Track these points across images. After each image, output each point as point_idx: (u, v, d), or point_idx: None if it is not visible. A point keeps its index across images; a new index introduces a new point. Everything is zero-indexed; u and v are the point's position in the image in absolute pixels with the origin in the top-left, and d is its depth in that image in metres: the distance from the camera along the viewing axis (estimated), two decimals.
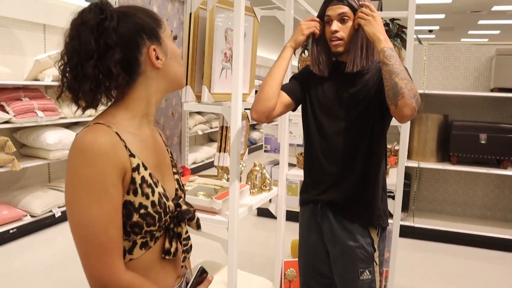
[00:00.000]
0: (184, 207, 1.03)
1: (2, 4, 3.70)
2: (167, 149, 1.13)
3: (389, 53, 1.41)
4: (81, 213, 0.86)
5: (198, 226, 1.09)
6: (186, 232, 1.05)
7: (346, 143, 1.58)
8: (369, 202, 1.59)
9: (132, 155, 0.91)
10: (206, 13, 1.81)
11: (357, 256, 1.59)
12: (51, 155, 3.91)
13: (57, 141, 3.88)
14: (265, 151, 4.31)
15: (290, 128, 2.87)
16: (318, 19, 1.61)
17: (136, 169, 0.91)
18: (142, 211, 0.92)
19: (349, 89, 1.57)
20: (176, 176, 1.11)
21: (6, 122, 3.60)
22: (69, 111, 4.07)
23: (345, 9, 1.51)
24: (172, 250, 1.00)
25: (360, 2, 1.51)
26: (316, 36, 1.61)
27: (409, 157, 4.11)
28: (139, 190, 0.91)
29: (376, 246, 1.60)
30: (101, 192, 0.85)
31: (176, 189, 1.08)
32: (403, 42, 2.40)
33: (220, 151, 2.20)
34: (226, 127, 2.16)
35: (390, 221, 1.82)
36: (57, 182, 4.30)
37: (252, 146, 8.89)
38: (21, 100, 3.72)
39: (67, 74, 0.92)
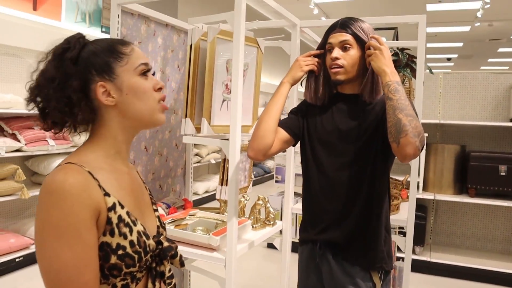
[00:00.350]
0: (165, 244, 0.97)
1: (16, 35, 3.79)
2: (145, 186, 1.10)
3: (394, 87, 1.34)
4: (51, 258, 0.81)
5: (181, 264, 1.03)
6: (170, 270, 1.00)
7: (346, 180, 1.50)
8: (371, 244, 1.49)
9: (107, 194, 0.87)
10: (207, 44, 1.79)
11: None
12: None
13: None
14: (276, 181, 4.23)
15: (297, 159, 2.80)
16: (315, 58, 1.56)
17: (112, 208, 0.87)
18: (120, 252, 0.87)
19: (350, 122, 1.50)
20: (157, 213, 1.07)
21: (17, 150, 3.63)
22: (80, 140, 4.08)
23: (348, 37, 1.46)
24: None
25: (370, 35, 1.46)
26: (316, 73, 1.56)
27: (425, 189, 3.97)
28: (116, 230, 0.87)
29: None
30: (73, 235, 0.81)
31: (158, 226, 1.04)
32: (413, 72, 2.33)
33: (222, 184, 2.15)
34: (227, 159, 2.10)
35: (401, 255, 1.70)
36: None
37: (266, 175, 8.79)
38: (33, 128, 3.75)
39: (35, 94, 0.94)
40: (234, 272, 1.69)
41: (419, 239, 3.84)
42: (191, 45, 1.81)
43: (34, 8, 3.95)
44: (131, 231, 0.89)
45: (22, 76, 4.01)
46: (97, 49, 0.95)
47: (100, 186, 0.87)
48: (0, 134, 3.65)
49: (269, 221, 2.17)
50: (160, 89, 0.99)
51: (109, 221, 0.86)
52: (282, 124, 1.58)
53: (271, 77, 9.59)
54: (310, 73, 1.57)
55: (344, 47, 1.46)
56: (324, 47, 1.54)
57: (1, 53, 3.77)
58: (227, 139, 1.68)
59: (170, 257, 0.99)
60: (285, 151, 1.88)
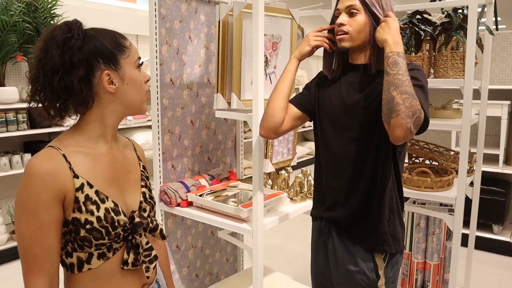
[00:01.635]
0: (137, 219, 1.05)
1: (96, 20, 4.11)
2: (140, 164, 1.18)
3: (394, 60, 1.24)
4: (17, 228, 0.96)
5: (162, 237, 1.14)
6: (147, 243, 1.08)
7: (351, 157, 1.43)
8: (373, 225, 1.43)
9: (76, 176, 0.98)
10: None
11: (357, 282, 1.44)
12: None
13: (144, 142, 4.20)
14: None
15: None
16: (325, 34, 1.49)
17: (79, 188, 0.98)
18: (88, 226, 0.98)
19: (355, 95, 1.42)
20: (143, 189, 1.14)
21: None
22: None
23: (355, 1, 1.37)
24: (130, 260, 1.05)
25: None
26: (328, 49, 1.49)
27: (508, 162, 3.61)
28: (83, 208, 0.98)
29: (381, 273, 1.42)
30: (31, 212, 0.93)
31: (141, 202, 1.12)
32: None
33: (266, 158, 2.18)
34: None
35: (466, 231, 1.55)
36: None
37: None
38: None
39: (34, 84, 1.00)
40: (261, 242, 1.74)
41: (498, 217, 3.53)
42: (219, 21, 1.83)
43: None
44: (98, 208, 0.99)
45: None
46: (103, 39, 1.02)
47: (71, 168, 0.97)
48: None
49: (310, 194, 2.17)
50: (147, 81, 1.10)
51: (76, 199, 0.97)
52: (293, 100, 1.55)
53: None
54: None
55: (350, 12, 1.38)
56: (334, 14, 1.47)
57: None
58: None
59: (150, 230, 1.09)
60: (304, 127, 1.84)
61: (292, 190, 2.14)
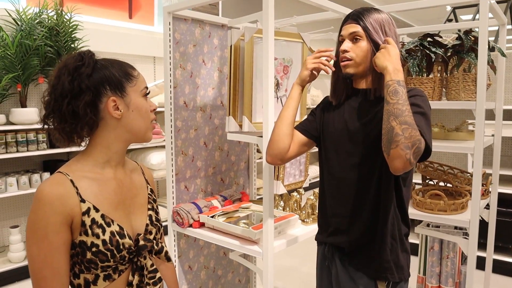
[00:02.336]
0: (141, 242, 1.09)
1: (115, 43, 4.23)
2: (148, 187, 1.22)
3: (394, 89, 1.23)
4: (27, 249, 1.01)
5: (167, 259, 1.18)
6: (152, 265, 1.12)
7: (353, 183, 1.43)
8: (376, 253, 1.41)
9: (83, 201, 1.02)
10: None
11: None
12: (154, 174, 4.30)
13: (160, 162, 4.25)
14: None
15: None
16: (324, 55, 1.50)
17: (86, 212, 1.02)
18: (94, 249, 1.01)
19: (358, 121, 1.43)
20: (150, 212, 1.17)
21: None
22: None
23: (358, 28, 1.39)
24: (135, 282, 1.08)
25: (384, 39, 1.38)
26: (327, 72, 1.51)
27: None
28: (89, 231, 1.01)
29: None
30: (40, 236, 0.98)
31: (147, 224, 1.15)
32: None
33: (276, 179, 2.20)
34: None
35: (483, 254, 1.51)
36: (161, 199, 4.70)
37: None
38: None
39: (46, 108, 1.06)
40: (271, 265, 1.74)
41: None
42: (231, 46, 1.88)
43: (130, 17, 4.37)
44: (103, 232, 1.03)
45: None
46: (112, 68, 1.08)
47: (78, 193, 1.02)
48: None
49: None
50: (153, 110, 1.14)
51: (83, 223, 1.01)
52: (299, 126, 1.57)
53: None
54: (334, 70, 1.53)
55: (354, 38, 1.40)
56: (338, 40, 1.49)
57: None
58: (262, 136, 1.73)
59: (155, 252, 1.13)
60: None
61: (304, 212, 2.14)
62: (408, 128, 1.19)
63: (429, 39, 2.11)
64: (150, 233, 1.14)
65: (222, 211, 2.07)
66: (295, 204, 2.26)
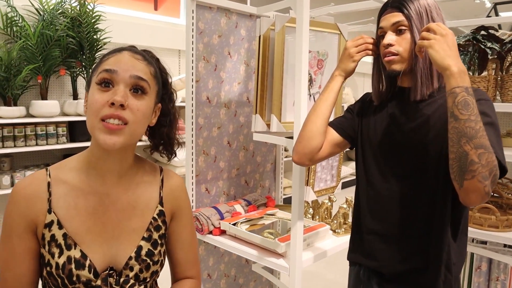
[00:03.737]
0: (111, 280, 0.87)
1: (140, 35, 4.10)
2: (157, 208, 0.98)
3: (463, 100, 0.98)
4: None
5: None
6: None
7: (397, 198, 1.21)
8: (425, 285, 1.18)
9: (49, 211, 0.87)
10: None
11: None
12: (177, 170, 4.16)
13: (183, 159, 4.11)
14: None
15: None
16: (368, 37, 1.29)
17: (48, 225, 0.87)
18: (48, 268, 0.87)
19: (405, 125, 1.21)
20: (143, 243, 0.94)
21: (140, 140, 3.96)
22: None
23: (401, 17, 1.16)
24: None
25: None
26: (373, 55, 1.30)
27: None
28: (47, 247, 0.87)
29: None
30: (5, 236, 0.88)
31: (130, 258, 0.91)
32: None
33: (306, 184, 2.00)
34: None
35: None
36: None
37: None
38: None
39: None
40: (298, 282, 1.56)
41: None
42: (259, 37, 1.69)
43: (155, 8, 4.23)
44: (60, 254, 0.86)
45: None
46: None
47: (49, 200, 0.87)
48: None
49: None
50: (113, 104, 0.83)
51: (43, 236, 0.87)
52: (334, 124, 1.36)
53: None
54: (374, 62, 1.31)
55: (398, 29, 1.18)
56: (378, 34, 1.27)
57: None
58: (292, 137, 1.54)
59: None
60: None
61: (336, 222, 1.94)
62: (484, 153, 0.96)
63: (483, 32, 1.87)
64: (131, 269, 0.90)
65: (245, 218, 1.89)
66: (326, 212, 2.06)
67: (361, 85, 7.68)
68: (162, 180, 1.01)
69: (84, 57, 3.53)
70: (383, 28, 1.21)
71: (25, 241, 0.87)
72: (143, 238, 0.94)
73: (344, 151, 2.19)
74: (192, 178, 1.99)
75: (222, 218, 1.93)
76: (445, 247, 1.16)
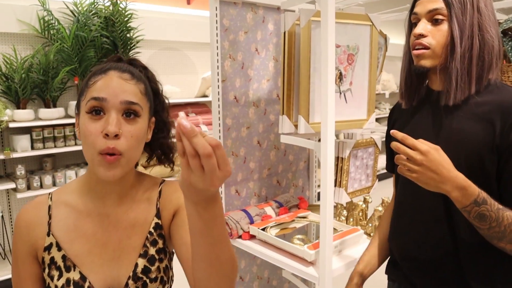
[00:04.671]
0: None
1: (173, 30, 4.09)
2: (153, 221, 0.95)
3: (476, 214, 0.92)
4: None
5: None
6: None
7: (435, 209, 1.08)
8: None
9: (49, 234, 0.87)
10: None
11: None
12: None
13: None
14: None
15: None
16: None
17: (47, 248, 0.87)
18: None
19: (440, 130, 1.06)
20: (140, 260, 0.91)
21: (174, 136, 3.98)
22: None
23: (440, 3, 1.02)
24: None
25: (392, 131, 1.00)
26: None
27: None
28: (47, 271, 0.88)
29: None
30: (13, 260, 0.92)
31: (129, 277, 0.89)
32: None
33: (336, 185, 1.90)
34: (342, 158, 1.85)
35: None
36: None
37: None
38: (188, 115, 4.03)
39: None
40: None
41: None
42: (284, 33, 1.60)
43: (188, 2, 4.19)
44: (59, 276, 0.86)
45: (179, 68, 4.33)
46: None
47: (49, 223, 0.89)
48: None
49: None
50: (106, 135, 0.80)
51: (43, 260, 0.88)
52: (389, 166, 1.32)
53: (401, 35, 7.89)
54: (404, 51, 1.16)
55: (434, 19, 1.03)
56: (410, 18, 1.12)
57: (161, 48, 4.13)
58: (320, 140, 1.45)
59: None
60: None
61: (371, 225, 1.83)
62: None
63: None
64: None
65: (275, 222, 1.82)
66: (361, 214, 1.95)
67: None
68: (160, 192, 0.98)
69: None
70: (417, 14, 1.06)
71: (28, 266, 0.89)
72: (140, 255, 0.92)
73: (380, 144, 2.07)
74: None
75: (251, 221, 1.87)
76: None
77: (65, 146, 3.38)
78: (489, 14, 1.01)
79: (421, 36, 1.04)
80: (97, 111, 0.82)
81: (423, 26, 1.04)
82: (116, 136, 0.80)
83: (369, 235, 1.81)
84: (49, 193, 0.93)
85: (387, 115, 6.44)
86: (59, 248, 0.87)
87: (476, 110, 1.01)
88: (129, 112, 0.84)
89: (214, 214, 0.65)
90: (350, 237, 1.67)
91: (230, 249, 0.71)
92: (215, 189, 0.59)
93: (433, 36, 1.03)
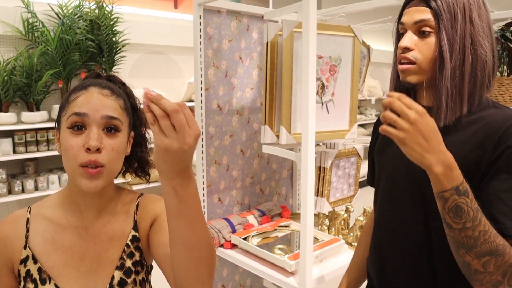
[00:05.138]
0: None
1: (160, 34, 4.07)
2: (130, 234, 0.96)
3: (454, 205, 0.81)
4: None
5: None
6: None
7: (413, 234, 1.03)
8: None
9: (25, 246, 0.88)
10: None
11: None
12: (195, 171, 4.12)
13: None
14: None
15: None
16: None
17: (23, 261, 0.87)
18: None
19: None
20: (116, 272, 0.92)
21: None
22: None
23: (428, 14, 0.93)
24: None
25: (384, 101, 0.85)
26: None
27: None
28: (22, 283, 0.88)
29: None
30: None
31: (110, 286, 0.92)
32: None
33: (317, 195, 1.91)
34: (324, 168, 1.86)
35: None
36: None
37: None
38: None
39: None
40: None
41: None
42: (267, 43, 1.60)
43: (175, 6, 4.18)
44: None
45: (165, 72, 4.31)
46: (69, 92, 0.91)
47: (26, 236, 0.88)
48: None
49: None
50: (89, 149, 0.83)
51: (19, 273, 0.88)
52: (370, 180, 1.27)
53: (386, 42, 7.14)
54: (393, 65, 1.08)
55: (421, 31, 0.95)
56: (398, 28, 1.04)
57: (147, 52, 4.11)
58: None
59: None
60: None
61: (352, 234, 1.84)
62: (491, 260, 0.81)
63: None
64: None
65: (257, 231, 1.82)
66: (343, 223, 1.96)
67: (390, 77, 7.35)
68: (137, 205, 1.00)
69: (103, 59, 3.53)
70: (404, 24, 0.98)
71: (3, 278, 0.89)
72: (117, 267, 0.93)
73: (362, 153, 2.08)
74: (203, 190, 1.94)
75: (233, 230, 1.86)
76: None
77: (48, 150, 3.34)
78: (483, 25, 0.93)
79: (407, 49, 0.97)
80: (79, 127, 0.84)
81: (409, 39, 0.96)
82: (98, 150, 0.83)
83: (350, 244, 1.82)
84: (28, 207, 0.94)
85: (373, 121, 6.49)
86: (35, 261, 0.87)
87: (467, 131, 0.94)
88: (110, 127, 0.86)
89: (190, 192, 0.68)
90: (331, 247, 1.67)
91: (207, 232, 0.74)
92: (187, 148, 0.63)
93: (420, 49, 0.96)
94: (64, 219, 0.92)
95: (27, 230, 0.89)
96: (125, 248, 0.94)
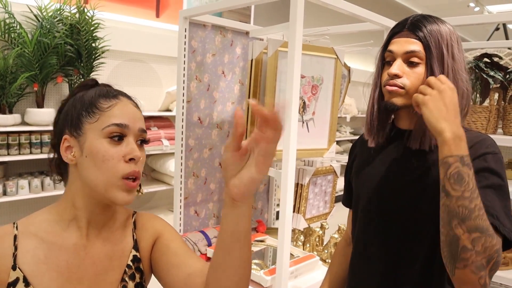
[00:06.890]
0: None
1: (141, 42, 4.05)
2: (131, 253, 0.92)
3: (456, 172, 0.84)
4: None
5: None
6: None
7: (396, 251, 1.07)
8: None
9: (14, 267, 0.79)
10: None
11: None
12: (173, 181, 4.09)
13: None
14: None
15: None
16: None
17: (12, 284, 0.78)
18: None
19: (405, 173, 1.05)
20: None
21: None
22: None
23: (418, 46, 0.98)
24: None
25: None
26: None
27: None
28: None
29: None
30: None
31: None
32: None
33: (294, 211, 1.93)
34: (302, 185, 1.88)
35: None
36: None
37: None
38: (150, 129, 3.98)
39: None
40: None
41: None
42: (252, 60, 1.63)
43: (157, 15, 4.17)
44: None
45: (143, 80, 4.29)
46: (82, 97, 0.86)
47: (14, 255, 0.80)
48: None
49: None
50: (132, 160, 0.81)
51: None
52: (346, 202, 1.31)
53: (364, 62, 7.06)
54: (372, 89, 1.13)
55: (410, 61, 1.00)
56: (383, 55, 1.07)
57: (126, 59, 4.07)
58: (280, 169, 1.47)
59: None
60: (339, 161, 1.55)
61: (327, 251, 1.87)
62: (480, 238, 0.81)
63: (485, 59, 1.80)
64: None
65: None
66: (317, 239, 1.99)
67: (366, 95, 7.50)
68: (134, 223, 0.95)
69: (82, 65, 3.48)
70: (393, 53, 1.03)
71: None
72: None
73: (339, 171, 2.12)
74: (180, 202, 1.93)
75: (209, 244, 1.86)
76: None
77: (19, 154, 3.24)
78: (460, 60, 1.00)
79: (396, 76, 1.01)
80: (120, 137, 0.82)
81: (398, 66, 1.00)
82: (134, 161, 0.82)
83: (324, 261, 1.84)
84: (14, 223, 0.84)
85: (348, 138, 6.60)
86: (27, 283, 0.79)
87: None
88: (142, 140, 0.85)
89: (248, 209, 0.72)
90: (306, 263, 1.69)
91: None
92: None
93: (408, 77, 1.00)
94: (59, 236, 0.84)
95: (15, 249, 0.80)
96: (126, 269, 0.89)
